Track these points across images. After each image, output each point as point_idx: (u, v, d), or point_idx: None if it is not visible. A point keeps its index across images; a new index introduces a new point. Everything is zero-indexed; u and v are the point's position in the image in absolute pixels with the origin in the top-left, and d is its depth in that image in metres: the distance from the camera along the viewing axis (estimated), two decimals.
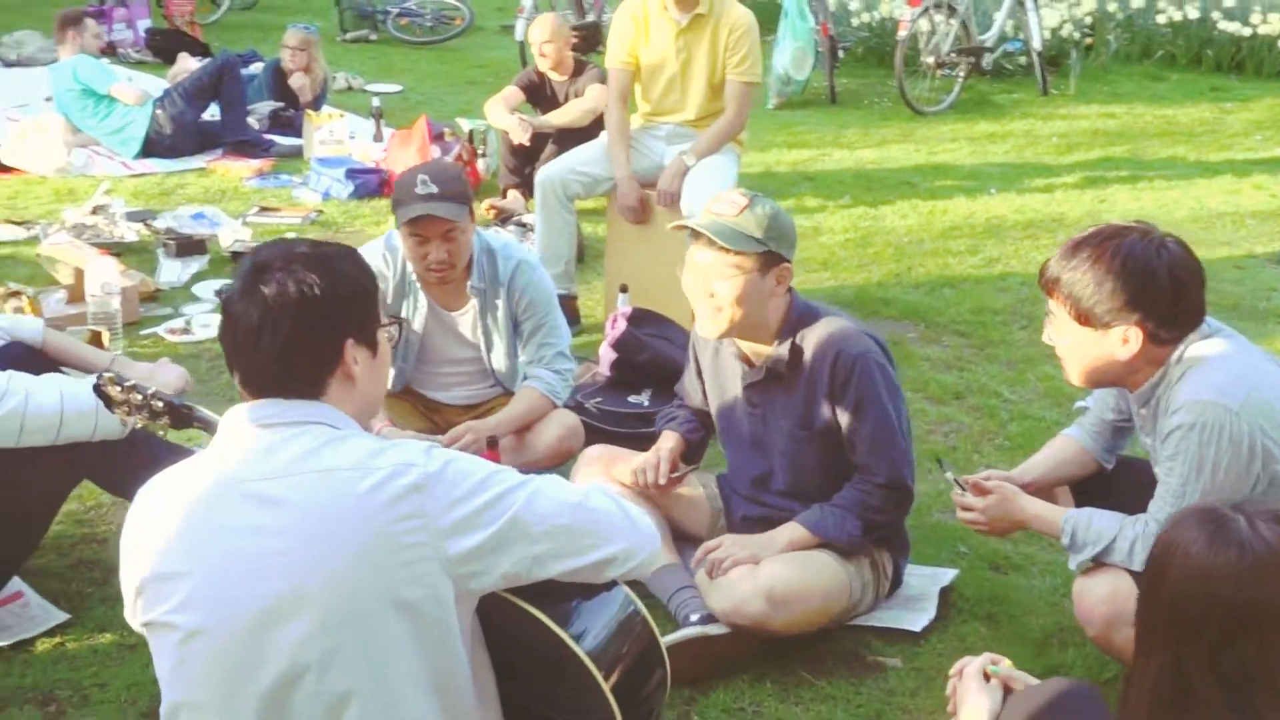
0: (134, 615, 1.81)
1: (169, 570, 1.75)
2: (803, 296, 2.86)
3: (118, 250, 5.05)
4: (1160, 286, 2.32)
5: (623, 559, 1.88)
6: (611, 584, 1.94)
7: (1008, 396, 4.23)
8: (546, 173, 4.59)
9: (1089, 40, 10.01)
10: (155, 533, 1.78)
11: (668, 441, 3.02)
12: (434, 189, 3.14)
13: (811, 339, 2.74)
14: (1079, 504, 2.77)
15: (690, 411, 3.08)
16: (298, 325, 1.79)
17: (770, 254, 2.66)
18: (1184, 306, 2.36)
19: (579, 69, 6.04)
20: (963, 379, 4.36)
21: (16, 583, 2.82)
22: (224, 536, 1.73)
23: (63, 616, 2.77)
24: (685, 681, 2.62)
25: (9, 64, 8.83)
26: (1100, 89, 9.55)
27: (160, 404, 2.31)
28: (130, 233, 5.27)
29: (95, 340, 4.00)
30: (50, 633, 2.73)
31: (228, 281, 4.91)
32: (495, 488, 1.78)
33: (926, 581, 3.01)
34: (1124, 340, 2.37)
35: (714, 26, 4.41)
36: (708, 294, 2.66)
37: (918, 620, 2.87)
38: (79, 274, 4.41)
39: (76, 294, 4.38)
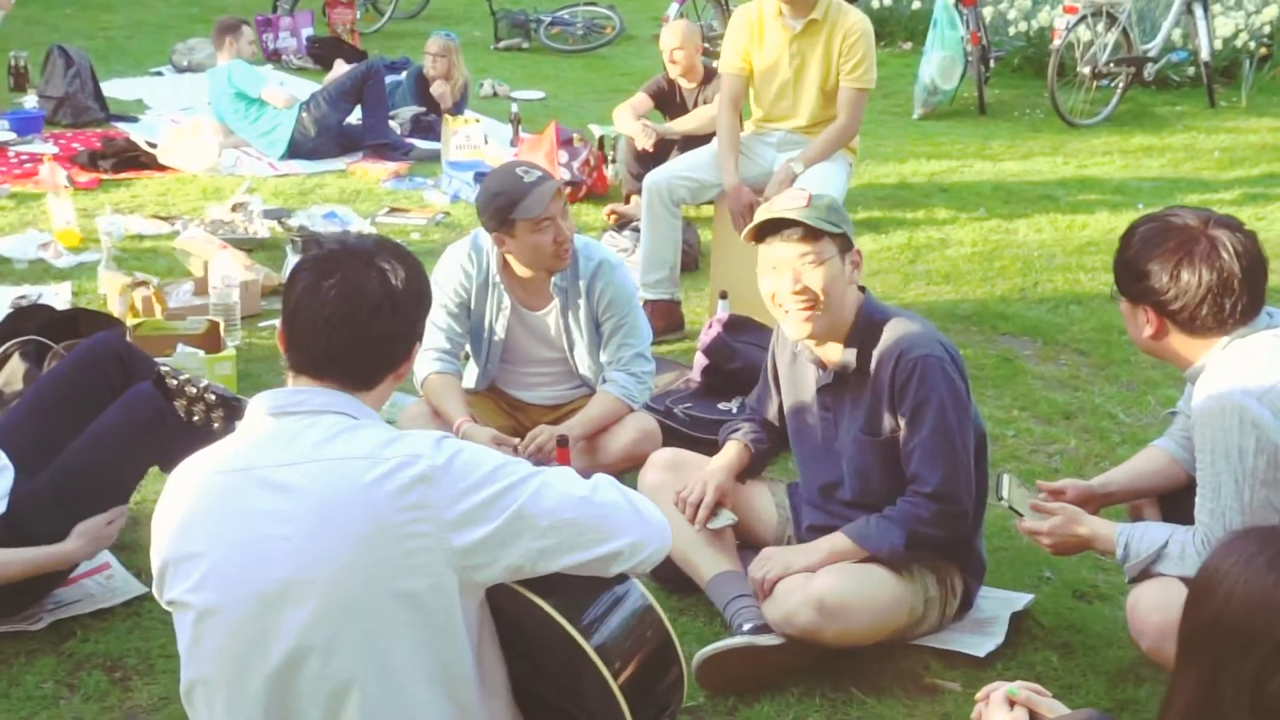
0: (160, 593, 1.88)
1: (188, 551, 1.81)
2: (876, 299, 2.80)
3: (250, 246, 5.27)
4: (1164, 282, 2.29)
5: (630, 553, 1.86)
6: (624, 578, 1.92)
7: (1122, 419, 4.03)
8: (654, 177, 4.59)
9: (1265, 50, 9.48)
10: (179, 514, 1.85)
11: (726, 456, 2.97)
12: (536, 173, 3.22)
13: (880, 340, 2.69)
14: (1168, 517, 2.65)
15: (758, 424, 3.03)
16: (403, 318, 1.86)
17: (843, 237, 2.66)
18: (1191, 308, 2.30)
19: (709, 76, 6.02)
20: (1076, 399, 4.18)
21: (105, 554, 2.96)
22: (239, 520, 1.78)
23: (142, 589, 2.88)
24: (730, 689, 2.59)
25: (180, 70, 9.30)
26: (1275, 101, 9.03)
27: (214, 397, 2.41)
28: (264, 229, 5.48)
29: (212, 330, 4.17)
30: (128, 603, 2.86)
31: None
32: (502, 480, 1.79)
33: (998, 605, 2.89)
34: (1146, 320, 2.37)
35: (829, 32, 4.34)
36: (796, 289, 2.62)
37: (983, 645, 2.75)
38: (208, 267, 4.61)
39: (204, 286, 4.58)
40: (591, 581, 1.88)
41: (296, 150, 6.84)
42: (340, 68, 7.77)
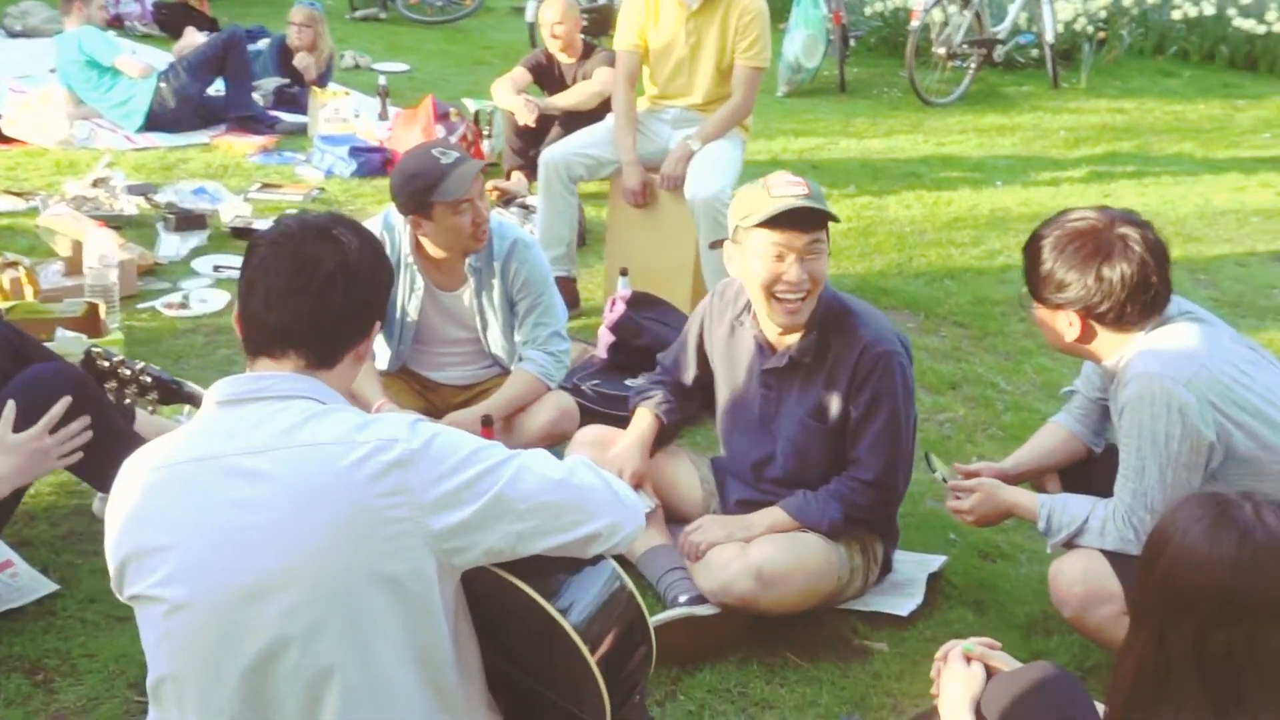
0: (120, 588, 1.81)
1: (155, 544, 1.75)
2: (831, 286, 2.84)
3: (118, 223, 5.04)
4: (1089, 283, 2.39)
5: (608, 534, 1.87)
6: (599, 558, 1.94)
7: (1003, 387, 4.22)
8: (550, 154, 4.57)
9: (1102, 34, 9.97)
10: (141, 506, 1.77)
11: (638, 430, 2.99)
12: (455, 154, 3.18)
13: (840, 329, 2.74)
14: (1068, 489, 2.79)
15: (669, 391, 3.06)
16: (360, 288, 1.82)
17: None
18: (1118, 306, 2.41)
19: (587, 51, 6.01)
20: (959, 369, 4.35)
21: (6, 551, 2.82)
22: (209, 510, 1.73)
23: (52, 587, 2.77)
24: (672, 661, 2.63)
25: (13, 34, 8.79)
26: (1112, 84, 9.51)
27: (149, 379, 2.32)
28: (131, 206, 5.25)
29: (92, 313, 3.99)
30: (40, 603, 2.73)
31: (228, 256, 4.93)
32: (480, 464, 1.78)
33: (914, 567, 3.01)
34: (1069, 323, 2.47)
35: (724, 11, 4.39)
36: (801, 277, 2.63)
37: (905, 605, 2.87)
38: (77, 246, 4.41)
39: (74, 266, 4.37)
40: (568, 561, 1.89)
41: (154, 122, 6.56)
42: (192, 35, 7.48)
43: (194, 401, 2.30)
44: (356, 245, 1.83)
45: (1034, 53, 9.59)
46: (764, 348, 2.82)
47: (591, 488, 1.88)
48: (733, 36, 4.40)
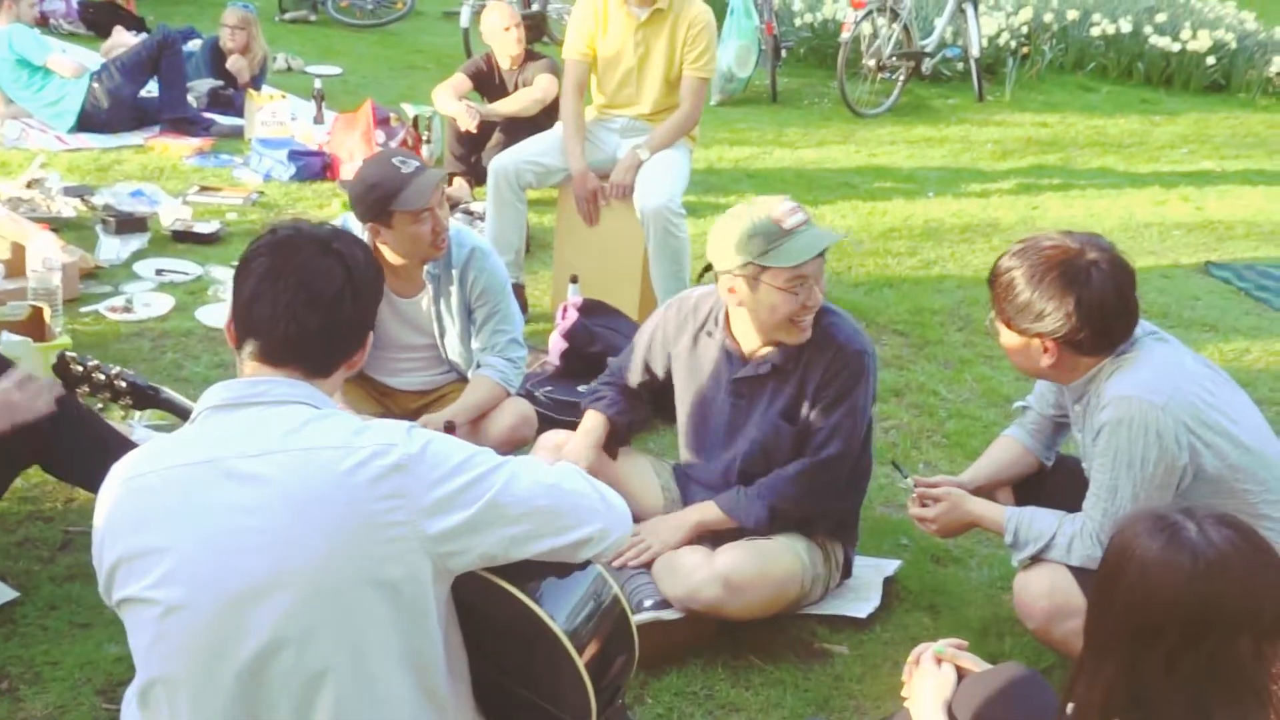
0: (109, 591, 1.80)
1: (148, 546, 1.75)
2: None
3: (55, 225, 4.95)
4: (1070, 310, 2.41)
5: (598, 539, 1.91)
6: (586, 563, 1.97)
7: (945, 395, 4.33)
8: (500, 162, 4.59)
9: (1025, 49, 10.23)
10: (133, 509, 1.77)
11: (588, 430, 3.02)
12: (415, 163, 3.19)
13: (816, 331, 2.78)
14: (1019, 501, 2.87)
15: (619, 392, 3.10)
16: (364, 301, 1.86)
17: None
18: (1101, 330, 2.45)
19: (528, 58, 6.04)
20: (902, 377, 4.46)
21: None
22: (204, 513, 1.74)
23: (11, 594, 2.74)
24: (639, 665, 2.63)
25: None
26: (1034, 98, 9.76)
27: (124, 384, 2.30)
28: (68, 208, 5.17)
29: (36, 316, 3.93)
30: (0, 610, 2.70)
31: (170, 260, 4.88)
32: (474, 469, 1.81)
33: (871, 571, 3.09)
34: (1044, 350, 2.49)
35: (673, 22, 4.44)
36: (812, 300, 2.70)
37: (863, 608, 2.95)
38: (18, 248, 4.33)
39: (15, 268, 4.29)
40: (556, 566, 1.93)
41: (86, 123, 6.45)
42: (120, 35, 7.36)
43: (173, 408, 2.29)
44: (361, 259, 1.87)
45: (960, 66, 9.81)
46: (734, 357, 2.87)
47: (582, 494, 1.92)
48: (681, 47, 4.46)
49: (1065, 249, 2.46)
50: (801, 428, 2.82)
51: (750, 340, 2.84)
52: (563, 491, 1.89)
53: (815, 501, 2.86)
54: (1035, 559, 2.60)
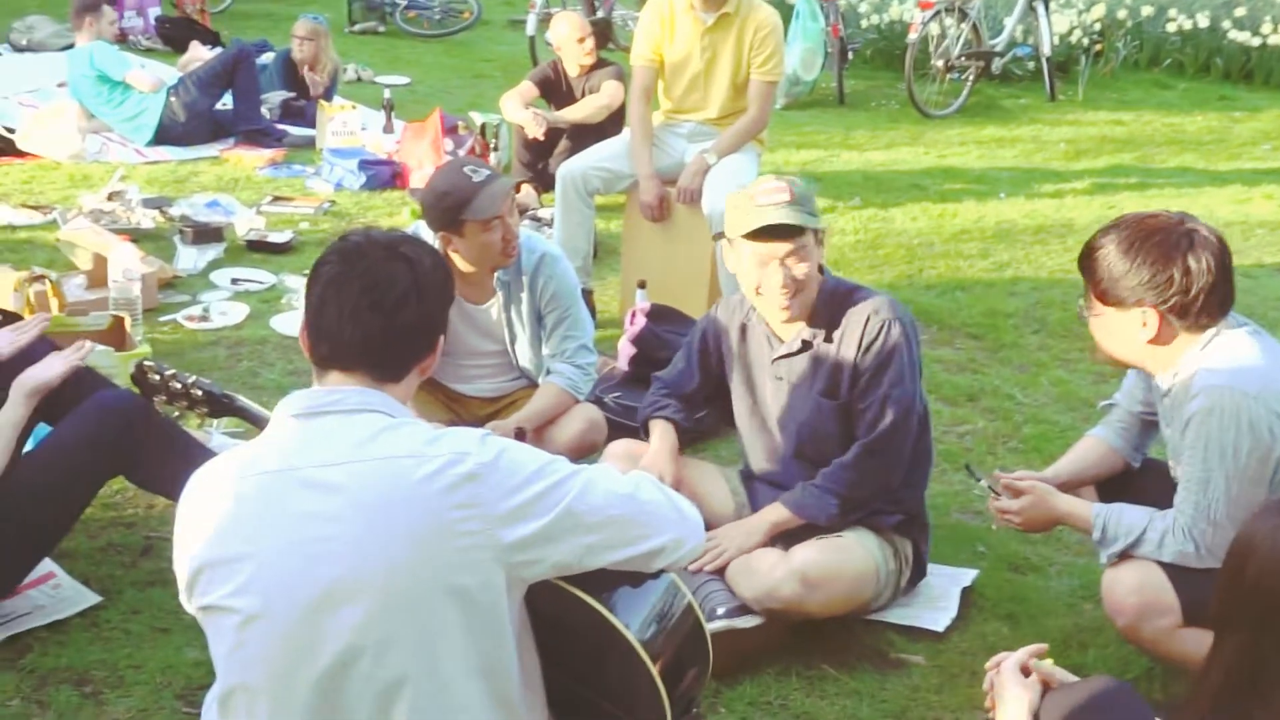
0: (189, 599, 1.83)
1: (227, 555, 1.77)
2: (831, 272, 2.92)
3: (135, 236, 5.06)
4: (1174, 274, 2.37)
5: (672, 548, 1.90)
6: (659, 572, 1.96)
7: (1021, 400, 4.26)
8: (568, 167, 4.61)
9: (1098, 46, 10.06)
10: (212, 518, 1.79)
11: (665, 441, 3.00)
12: (486, 171, 3.21)
13: (845, 307, 2.81)
14: (1105, 502, 2.80)
15: (676, 399, 3.09)
16: (431, 305, 1.87)
17: (821, 230, 2.78)
18: (1203, 296, 2.39)
19: (595, 65, 6.06)
20: (976, 381, 4.39)
21: (48, 563, 2.84)
22: (281, 522, 1.75)
23: (95, 598, 2.79)
24: (712, 674, 2.62)
25: (19, 49, 8.80)
26: (1108, 96, 9.59)
27: (200, 392, 2.33)
28: (147, 219, 5.27)
29: (117, 326, 4.01)
30: (84, 615, 2.75)
31: (245, 269, 4.96)
32: (549, 478, 1.81)
33: (947, 581, 3.04)
34: (1143, 323, 2.43)
35: (740, 26, 4.43)
36: (788, 282, 2.72)
37: (939, 619, 2.90)
38: (99, 259, 4.42)
39: (97, 279, 4.39)
40: (629, 575, 1.92)
41: (164, 136, 6.59)
42: (196, 49, 7.51)
43: (247, 415, 2.32)
44: (428, 263, 1.88)
45: (1030, 65, 9.67)
46: (772, 339, 2.89)
47: (656, 503, 1.91)
48: (748, 51, 4.45)
49: (1163, 217, 2.43)
50: (844, 404, 2.80)
51: (772, 319, 2.85)
52: (637, 501, 1.88)
53: (878, 481, 2.82)
54: (1124, 556, 2.53)
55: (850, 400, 2.80)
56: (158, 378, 2.33)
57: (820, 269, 2.84)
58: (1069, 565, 3.19)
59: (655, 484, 1.95)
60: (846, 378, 2.79)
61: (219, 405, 2.34)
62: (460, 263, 3.32)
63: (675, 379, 3.12)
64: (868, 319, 2.77)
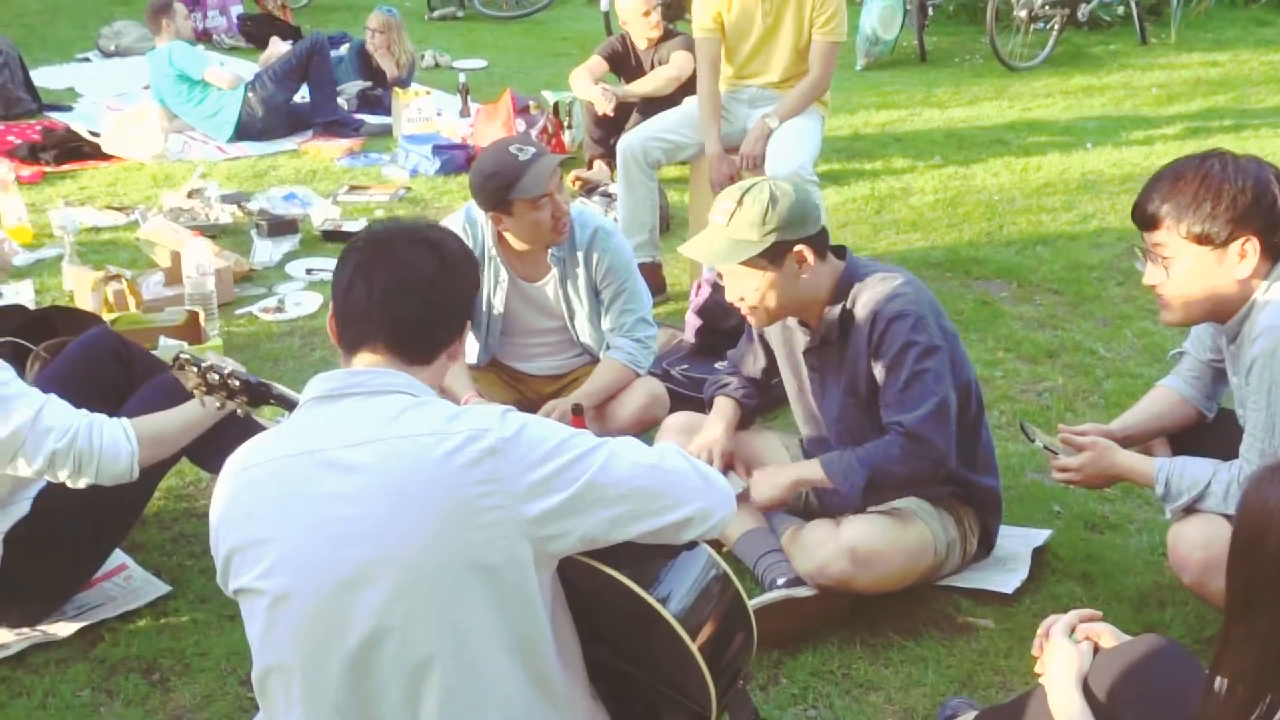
0: (225, 582, 1.86)
1: (257, 537, 1.79)
2: (860, 257, 2.80)
3: (213, 232, 5.18)
4: (1272, 192, 2.27)
5: (700, 519, 1.87)
6: (694, 545, 1.93)
7: (1103, 354, 4.12)
8: (628, 140, 4.57)
9: None
10: (243, 501, 1.82)
11: (723, 417, 2.97)
12: (531, 149, 3.19)
13: (860, 301, 2.69)
14: (1177, 455, 2.69)
15: (743, 379, 3.05)
16: (458, 289, 1.89)
17: (775, 246, 2.60)
18: None
19: (664, 36, 5.99)
20: (1056, 337, 4.26)
21: (120, 556, 2.92)
22: (307, 503, 1.76)
23: (165, 589, 2.85)
24: (773, 644, 2.61)
25: (108, 54, 9.06)
26: (1203, 36, 9.23)
27: (237, 383, 2.36)
28: (225, 215, 5.38)
29: (192, 321, 4.10)
30: (153, 604, 2.82)
31: (320, 259, 5.03)
32: (571, 451, 1.79)
33: (1018, 542, 2.95)
34: (1241, 255, 2.31)
35: None
36: (739, 298, 2.69)
37: (1009, 581, 2.82)
38: (176, 257, 4.52)
39: (174, 276, 4.49)
40: (663, 550, 1.89)
41: (244, 132, 6.72)
42: (277, 45, 7.63)
43: (284, 403, 2.34)
44: (455, 247, 1.89)
45: (1119, 10, 9.35)
46: (805, 330, 2.82)
47: (682, 472, 1.88)
48: (810, 12, 4.35)
49: (1206, 154, 2.33)
50: (868, 400, 2.71)
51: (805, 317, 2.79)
52: (663, 471, 1.85)
53: (920, 465, 2.67)
54: (1190, 510, 2.43)
55: (870, 397, 2.71)
56: (195, 369, 2.37)
57: (842, 252, 2.74)
58: (1149, 522, 3.08)
59: (681, 454, 1.92)
60: (863, 377, 2.70)
61: (257, 394, 2.37)
62: (513, 241, 3.32)
63: (738, 356, 3.10)
64: (873, 319, 2.64)
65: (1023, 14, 8.54)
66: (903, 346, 2.61)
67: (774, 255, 2.60)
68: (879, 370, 2.67)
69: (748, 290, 2.65)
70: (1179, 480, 2.44)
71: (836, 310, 2.70)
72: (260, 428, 2.91)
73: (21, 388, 2.41)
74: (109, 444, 2.45)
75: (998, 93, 7.90)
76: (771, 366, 3.02)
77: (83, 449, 2.42)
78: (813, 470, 2.73)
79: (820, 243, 2.67)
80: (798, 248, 2.62)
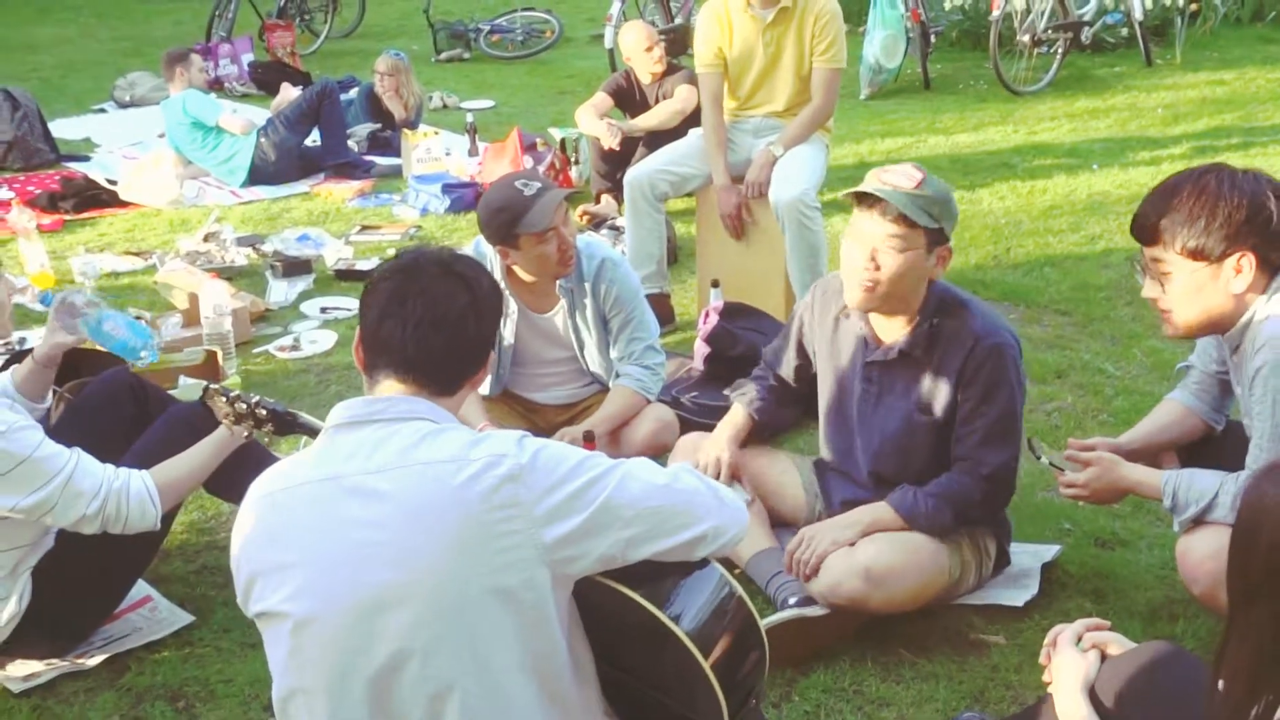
0: (246, 605, 1.90)
1: (280, 561, 1.83)
2: (944, 282, 2.77)
3: (229, 274, 5.26)
4: (1270, 207, 2.29)
5: (713, 537, 1.91)
6: (705, 563, 1.97)
7: (1112, 373, 4.15)
8: (634, 173, 4.63)
9: (1195, 6, 9.71)
10: (266, 525, 1.87)
11: (732, 425, 3.01)
12: (537, 184, 3.25)
13: (950, 323, 2.69)
14: (1186, 468, 2.71)
15: (766, 389, 3.07)
16: (487, 325, 1.94)
17: (938, 231, 2.62)
18: None
19: (667, 71, 6.09)
20: (1065, 357, 4.29)
21: (145, 588, 2.97)
22: (332, 528, 1.81)
23: (189, 618, 2.90)
24: (785, 663, 2.64)
25: (123, 105, 9.20)
26: (1208, 56, 9.28)
27: (264, 412, 2.42)
28: (240, 257, 5.46)
29: (211, 360, 4.17)
30: (178, 634, 2.87)
31: (334, 298, 5.10)
32: (587, 474, 1.83)
33: (1029, 558, 2.98)
34: (1236, 270, 2.34)
35: (799, 18, 4.40)
36: (869, 264, 2.60)
37: (1020, 596, 2.84)
38: (193, 298, 4.60)
39: (192, 317, 4.56)
40: (676, 568, 1.92)
41: (257, 176, 6.81)
42: (288, 90, 7.74)
43: (311, 432, 2.40)
44: (484, 282, 1.94)
45: (1123, 32, 9.40)
46: (868, 342, 2.81)
47: (695, 491, 1.92)
48: (810, 41, 4.42)
49: (1206, 168, 2.35)
50: (941, 422, 2.72)
51: (877, 321, 2.78)
52: (675, 491, 1.89)
53: (993, 508, 2.78)
54: (1199, 522, 2.45)
55: (944, 421, 2.71)
56: (223, 400, 2.43)
57: (931, 281, 2.70)
58: (1161, 537, 3.09)
59: (693, 473, 1.96)
60: (945, 399, 2.70)
61: (283, 423, 2.43)
62: (521, 273, 3.37)
63: (773, 355, 3.11)
64: (975, 344, 2.64)
65: (1026, 39, 8.60)
66: (1003, 382, 2.64)
67: (931, 241, 2.61)
68: (967, 398, 2.67)
69: (888, 261, 2.59)
70: (1186, 492, 2.45)
71: (925, 327, 2.69)
72: (275, 459, 2.98)
73: (52, 449, 2.49)
74: (135, 506, 2.53)
75: (1003, 117, 7.96)
76: (804, 371, 3.04)
77: (110, 515, 2.51)
78: (884, 513, 2.72)
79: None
80: (947, 245, 2.66)
